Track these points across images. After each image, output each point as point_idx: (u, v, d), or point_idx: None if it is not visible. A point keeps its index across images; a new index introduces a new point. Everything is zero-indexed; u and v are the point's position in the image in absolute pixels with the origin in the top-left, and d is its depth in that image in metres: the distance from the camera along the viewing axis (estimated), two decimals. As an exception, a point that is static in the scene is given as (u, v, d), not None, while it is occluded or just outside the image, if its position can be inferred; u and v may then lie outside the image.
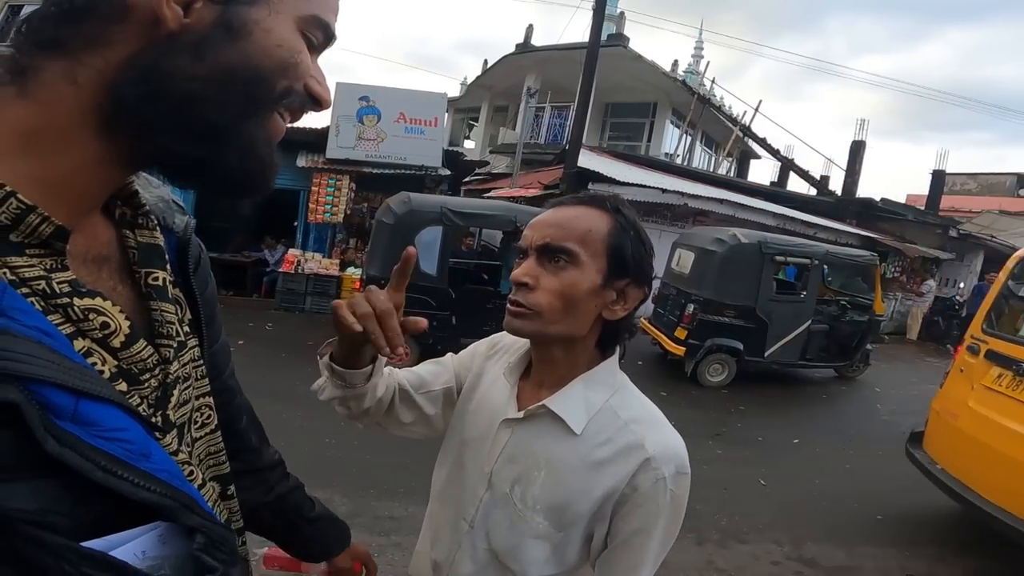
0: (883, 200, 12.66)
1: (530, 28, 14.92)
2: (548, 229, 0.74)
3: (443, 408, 0.91)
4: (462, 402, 0.89)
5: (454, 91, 17.49)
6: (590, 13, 8.52)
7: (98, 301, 0.44)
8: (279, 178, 0.59)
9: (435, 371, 0.92)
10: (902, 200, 14.77)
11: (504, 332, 0.90)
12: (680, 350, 5.96)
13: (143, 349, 0.47)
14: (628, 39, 13.05)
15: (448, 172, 8.23)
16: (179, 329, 0.52)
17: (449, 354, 0.96)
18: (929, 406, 3.71)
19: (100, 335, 0.43)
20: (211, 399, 0.59)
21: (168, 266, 0.53)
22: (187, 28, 0.42)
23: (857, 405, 6.35)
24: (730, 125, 14.89)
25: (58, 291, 0.41)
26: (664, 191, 8.76)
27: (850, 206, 12.37)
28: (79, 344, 0.42)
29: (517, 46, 14.68)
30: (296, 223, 8.17)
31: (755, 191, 11.82)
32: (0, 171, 0.39)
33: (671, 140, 15.19)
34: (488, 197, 9.27)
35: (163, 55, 0.42)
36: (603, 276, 0.74)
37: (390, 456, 3.46)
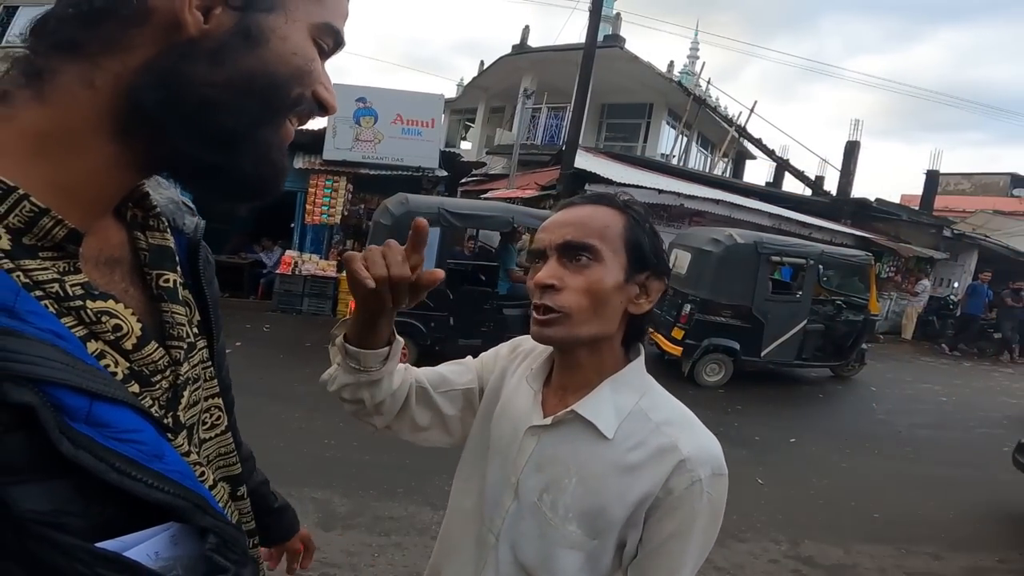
0: (878, 200, 12.72)
1: (526, 29, 14.91)
2: (566, 228, 0.73)
3: (462, 410, 0.87)
4: (484, 408, 0.86)
5: (450, 92, 17.48)
6: (586, 14, 8.55)
7: (110, 304, 0.44)
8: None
9: (457, 371, 0.89)
10: (896, 200, 14.85)
11: (524, 336, 0.88)
12: (677, 350, 5.97)
13: (154, 351, 0.47)
14: (624, 40, 13.07)
15: (445, 173, 8.22)
16: (189, 331, 0.53)
17: (469, 357, 0.93)
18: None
19: (112, 337, 0.43)
20: (220, 400, 0.60)
21: (178, 267, 0.53)
22: (206, 34, 0.42)
23: (853, 404, 6.38)
24: (726, 126, 14.94)
25: (71, 294, 0.41)
26: (660, 192, 8.78)
27: (845, 206, 12.42)
28: (92, 346, 0.42)
29: (513, 47, 14.67)
30: (293, 224, 8.15)
31: (751, 191, 11.86)
32: (14, 174, 0.39)
33: (667, 141, 15.22)
34: (485, 198, 9.27)
35: (182, 60, 0.42)
36: (625, 271, 0.73)
37: (389, 456, 3.45)
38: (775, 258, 6.24)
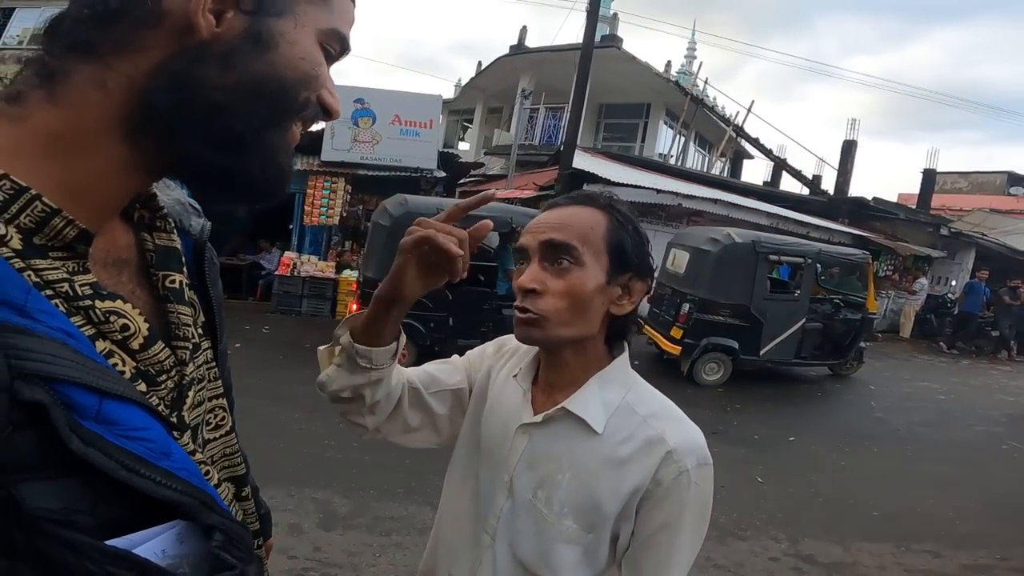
0: (875, 199, 12.75)
1: (524, 29, 14.92)
2: (549, 230, 0.73)
3: (451, 410, 0.87)
4: (473, 408, 0.87)
5: (448, 93, 17.46)
6: (583, 14, 8.55)
7: (118, 304, 0.44)
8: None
9: (446, 370, 0.89)
10: (894, 199, 14.89)
11: (508, 336, 0.88)
12: (676, 349, 5.98)
13: (161, 351, 0.47)
14: (621, 40, 13.10)
15: (443, 174, 8.22)
16: (194, 331, 0.53)
17: (456, 355, 0.93)
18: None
19: (120, 337, 0.44)
20: (224, 400, 0.60)
21: (184, 269, 0.54)
22: (217, 37, 0.42)
23: (852, 403, 6.39)
24: (723, 125, 14.96)
25: (80, 293, 0.41)
26: (658, 192, 8.79)
27: (842, 205, 12.45)
28: (100, 346, 0.42)
29: (511, 48, 14.68)
30: (292, 226, 8.14)
31: (748, 191, 11.88)
32: (26, 175, 0.39)
33: (665, 141, 15.24)
34: (483, 198, 9.25)
35: (194, 63, 0.42)
36: (607, 273, 0.73)
37: (389, 456, 3.45)
38: (773, 257, 6.26)
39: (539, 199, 8.82)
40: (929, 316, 10.82)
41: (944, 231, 11.69)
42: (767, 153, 15.16)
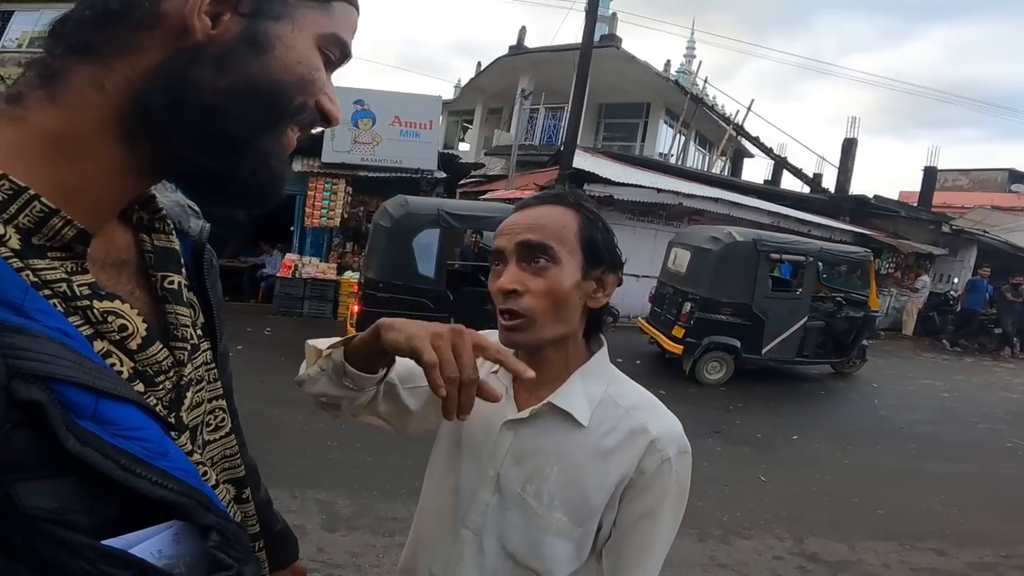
0: (876, 197, 12.74)
1: (523, 30, 14.93)
2: (524, 231, 0.75)
3: (424, 407, 0.86)
4: None
5: (448, 94, 17.49)
6: (582, 14, 8.55)
7: (116, 304, 0.44)
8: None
9: None
10: (894, 197, 14.87)
11: (485, 332, 0.89)
12: (678, 348, 5.98)
13: (159, 351, 0.47)
14: (621, 40, 13.10)
15: (444, 175, 8.24)
16: (193, 332, 0.53)
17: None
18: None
19: (118, 337, 0.44)
20: (224, 402, 0.59)
21: (183, 270, 0.53)
22: (213, 39, 0.42)
23: (854, 401, 6.38)
24: (723, 124, 14.96)
25: (79, 293, 0.41)
26: (659, 191, 8.79)
27: (843, 203, 12.44)
28: (98, 345, 0.42)
29: (510, 48, 14.69)
30: (292, 228, 8.16)
31: (749, 190, 11.87)
32: (25, 175, 0.39)
33: (665, 140, 15.24)
34: (484, 199, 9.28)
35: (189, 65, 0.42)
36: (582, 269, 0.76)
37: (392, 457, 3.45)
38: (774, 256, 6.25)
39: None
40: (932, 314, 10.79)
41: (946, 228, 11.67)
42: (767, 152, 15.16)
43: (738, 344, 5.99)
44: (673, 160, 14.14)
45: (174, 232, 0.54)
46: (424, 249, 5.36)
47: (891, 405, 6.17)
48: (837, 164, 13.73)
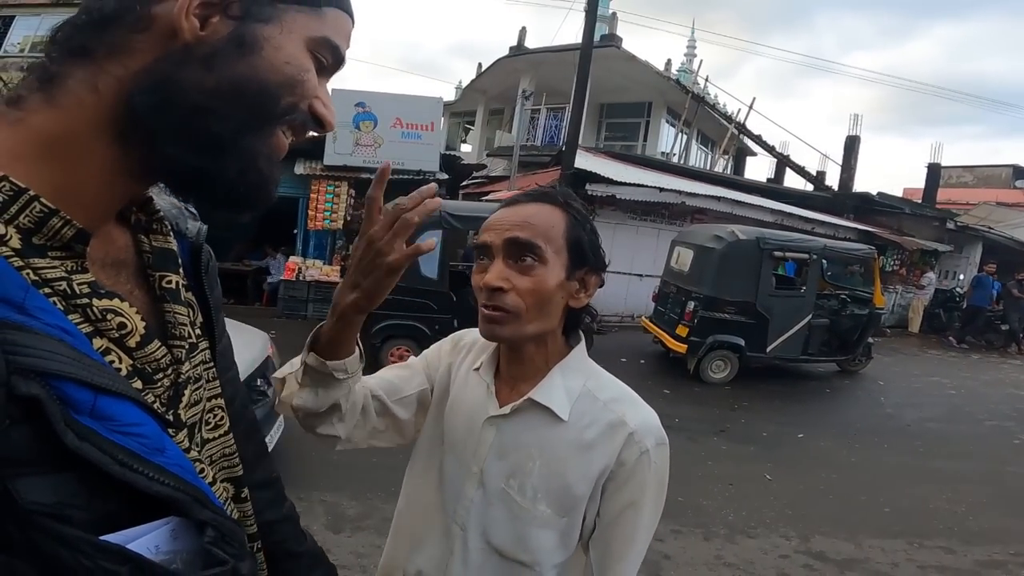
0: (880, 194, 12.68)
1: (523, 31, 14.95)
2: (512, 229, 0.75)
3: (415, 414, 0.90)
4: (435, 405, 0.89)
5: (449, 95, 17.52)
6: (582, 14, 8.55)
7: (116, 302, 0.45)
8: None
9: (405, 376, 0.90)
10: (898, 194, 14.80)
11: (464, 331, 0.93)
12: (682, 348, 5.96)
13: (157, 349, 0.47)
14: (621, 39, 13.08)
15: (446, 176, 8.25)
16: (191, 331, 0.53)
17: (412, 357, 0.96)
18: None
19: (117, 335, 0.44)
20: (222, 401, 0.60)
21: (181, 270, 0.54)
22: (201, 40, 0.43)
23: (860, 399, 6.35)
24: (725, 123, 14.93)
25: (78, 292, 0.42)
26: (662, 190, 8.77)
27: (847, 201, 12.39)
28: (97, 343, 0.43)
29: (510, 49, 14.71)
30: (296, 231, 8.18)
31: (752, 188, 11.83)
32: (24, 176, 0.40)
33: (667, 139, 15.22)
34: (486, 200, 9.28)
35: (176, 66, 0.43)
36: (566, 269, 0.76)
37: (397, 459, 3.42)
38: (778, 254, 6.24)
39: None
40: (938, 311, 10.74)
41: (950, 225, 11.61)
42: (770, 150, 15.11)
43: (742, 343, 5.97)
44: (675, 159, 14.12)
45: (172, 233, 0.54)
46: (426, 250, 5.36)
47: (897, 403, 6.14)
48: (840, 162, 13.67)
